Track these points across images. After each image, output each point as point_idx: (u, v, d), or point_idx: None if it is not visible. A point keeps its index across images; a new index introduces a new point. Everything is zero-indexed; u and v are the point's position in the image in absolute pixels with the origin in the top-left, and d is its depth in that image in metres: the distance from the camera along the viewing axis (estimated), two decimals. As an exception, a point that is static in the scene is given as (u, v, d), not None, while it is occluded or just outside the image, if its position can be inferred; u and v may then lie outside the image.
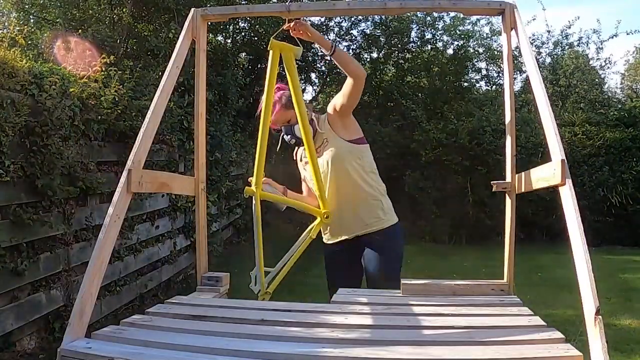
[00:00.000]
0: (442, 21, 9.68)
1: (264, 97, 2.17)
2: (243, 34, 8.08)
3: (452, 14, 9.02)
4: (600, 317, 1.26)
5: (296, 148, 2.60)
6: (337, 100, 2.48)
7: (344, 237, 2.43)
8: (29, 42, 4.78)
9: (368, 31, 9.59)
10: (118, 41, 5.53)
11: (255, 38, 7.91)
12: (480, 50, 10.01)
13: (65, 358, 1.41)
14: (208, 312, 1.80)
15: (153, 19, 6.21)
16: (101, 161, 3.67)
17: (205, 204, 2.39)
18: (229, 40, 7.83)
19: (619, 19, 15.12)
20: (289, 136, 2.45)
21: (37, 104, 2.97)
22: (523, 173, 1.99)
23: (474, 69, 10.07)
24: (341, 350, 1.41)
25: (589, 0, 25.14)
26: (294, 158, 2.63)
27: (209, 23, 2.45)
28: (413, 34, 9.73)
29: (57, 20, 5.87)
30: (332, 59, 2.53)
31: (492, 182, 2.16)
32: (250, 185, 2.17)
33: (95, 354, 1.40)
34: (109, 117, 3.60)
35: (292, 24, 2.37)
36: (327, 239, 2.50)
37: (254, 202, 2.15)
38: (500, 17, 2.18)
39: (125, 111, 3.78)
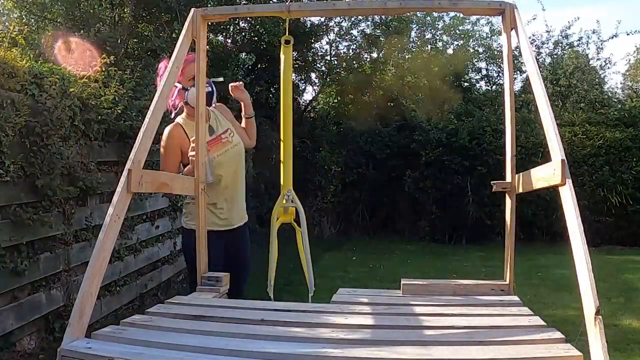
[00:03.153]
0: (442, 21, 9.69)
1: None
2: (243, 34, 8.08)
3: (452, 14, 9.03)
4: (600, 317, 1.26)
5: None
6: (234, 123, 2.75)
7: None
8: (30, 41, 4.77)
9: (368, 31, 9.58)
10: (119, 41, 5.53)
11: (256, 38, 7.91)
12: (480, 50, 10.01)
13: (65, 358, 1.41)
14: (208, 312, 1.80)
15: (154, 19, 6.21)
16: (101, 161, 3.67)
17: (205, 204, 2.39)
18: (229, 40, 7.83)
19: (619, 19, 15.06)
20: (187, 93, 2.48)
21: (37, 104, 2.96)
22: (523, 173, 1.99)
23: (474, 69, 10.07)
24: (341, 350, 1.41)
25: (588, 2, 25.14)
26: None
27: (209, 23, 2.45)
28: (413, 34, 9.74)
29: (58, 19, 5.87)
30: (247, 120, 2.82)
31: (492, 182, 2.16)
32: None
33: (95, 354, 1.40)
34: (109, 117, 3.60)
35: (231, 87, 2.66)
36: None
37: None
38: (500, 17, 2.18)
39: (125, 111, 3.78)
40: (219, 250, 2.45)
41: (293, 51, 2.61)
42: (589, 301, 1.30)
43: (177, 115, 2.59)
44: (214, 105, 2.60)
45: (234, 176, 2.58)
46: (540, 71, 2.01)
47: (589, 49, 9.64)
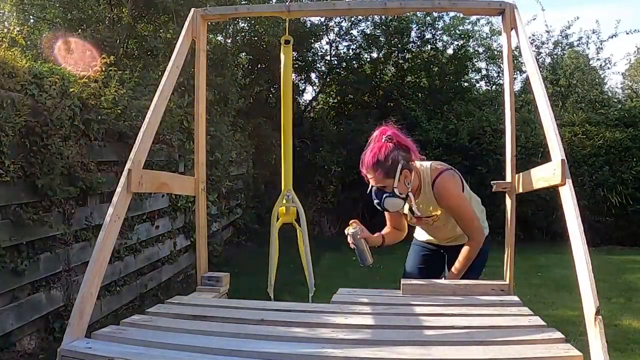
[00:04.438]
0: (442, 21, 9.67)
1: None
2: (243, 34, 8.08)
3: (452, 14, 9.01)
4: (600, 317, 1.26)
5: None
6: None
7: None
8: (29, 42, 4.77)
9: (368, 31, 9.58)
10: (118, 41, 5.52)
11: (255, 38, 7.91)
12: (480, 50, 10.00)
13: (65, 358, 1.41)
14: (208, 312, 1.80)
15: (153, 19, 6.21)
16: (101, 161, 3.67)
17: (205, 204, 2.39)
18: (229, 40, 7.83)
19: (619, 19, 15.05)
20: (376, 201, 2.31)
21: (37, 104, 2.96)
22: (523, 173, 1.99)
23: (474, 69, 10.06)
24: (341, 350, 1.41)
25: (588, 2, 25.14)
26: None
27: (209, 23, 2.45)
28: (413, 34, 9.72)
29: (57, 20, 5.87)
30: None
31: (492, 182, 2.16)
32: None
33: (95, 354, 1.40)
34: (109, 117, 3.60)
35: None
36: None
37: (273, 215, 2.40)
38: (500, 17, 2.18)
39: (125, 111, 3.78)
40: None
41: (293, 51, 2.61)
42: (589, 301, 1.30)
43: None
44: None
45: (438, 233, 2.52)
46: (540, 71, 2.02)
47: (588, 49, 9.65)
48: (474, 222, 2.31)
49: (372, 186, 2.29)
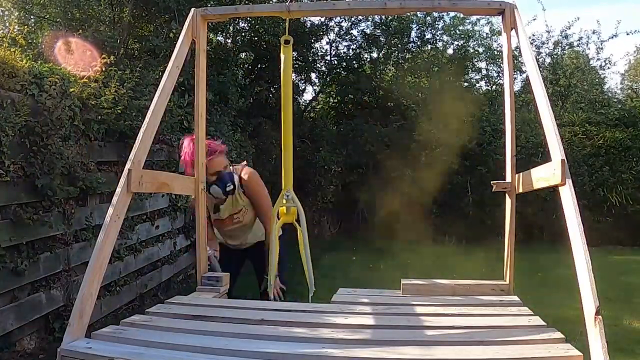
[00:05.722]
0: (442, 21, 9.66)
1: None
2: (243, 34, 8.08)
3: (452, 14, 9.01)
4: (600, 317, 1.26)
5: None
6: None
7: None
8: (29, 41, 4.77)
9: (368, 31, 9.57)
10: (118, 41, 5.52)
11: (256, 38, 7.91)
12: (480, 50, 10.00)
13: (65, 358, 1.41)
14: (208, 312, 1.80)
15: (153, 19, 6.21)
16: (101, 161, 3.67)
17: (205, 204, 2.39)
18: (229, 40, 7.82)
19: (619, 19, 15.05)
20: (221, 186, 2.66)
21: (37, 104, 2.96)
22: (523, 173, 1.99)
23: (474, 69, 10.05)
24: (341, 350, 1.41)
25: (588, 2, 25.15)
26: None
27: (209, 23, 2.45)
28: (413, 34, 9.72)
29: (57, 19, 5.87)
30: None
31: (492, 182, 2.16)
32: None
33: (95, 354, 1.40)
34: (109, 117, 3.60)
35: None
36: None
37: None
38: (500, 17, 2.18)
39: (125, 111, 3.78)
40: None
41: (293, 51, 2.61)
42: (589, 301, 1.30)
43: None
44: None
45: (242, 235, 2.92)
46: (540, 71, 2.02)
47: (588, 49, 9.64)
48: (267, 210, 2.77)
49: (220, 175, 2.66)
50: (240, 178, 2.76)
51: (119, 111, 3.68)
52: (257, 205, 2.80)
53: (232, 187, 2.67)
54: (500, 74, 9.44)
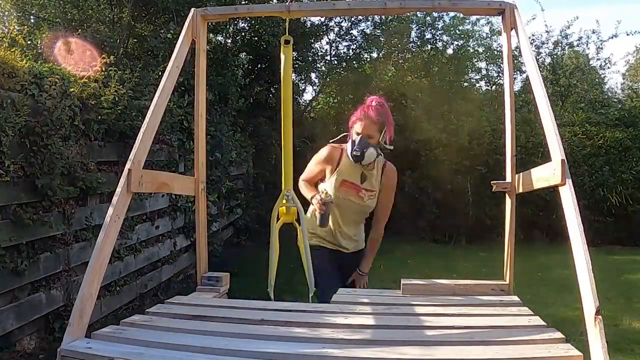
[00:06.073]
0: (442, 21, 9.67)
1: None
2: (243, 34, 8.08)
3: (452, 14, 9.01)
4: (600, 317, 1.26)
5: (340, 153, 2.75)
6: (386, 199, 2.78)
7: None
8: (29, 42, 4.77)
9: (368, 31, 9.58)
10: (118, 41, 5.52)
11: (255, 38, 7.91)
12: (480, 50, 10.00)
13: (65, 358, 1.41)
14: (208, 312, 1.80)
15: (153, 19, 6.21)
16: (101, 161, 3.67)
17: (205, 204, 2.39)
18: (229, 40, 7.82)
19: (619, 19, 15.06)
20: (357, 148, 2.54)
21: (37, 104, 2.96)
22: (523, 173, 1.99)
23: (474, 69, 10.06)
24: (342, 350, 1.41)
25: (587, 2, 25.16)
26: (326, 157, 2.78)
27: (209, 23, 2.45)
28: (413, 34, 9.73)
29: (57, 20, 5.87)
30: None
31: (492, 182, 2.16)
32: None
33: (95, 354, 1.40)
34: (109, 117, 3.60)
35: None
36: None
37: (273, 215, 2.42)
38: (500, 17, 2.18)
39: (125, 111, 3.78)
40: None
41: (293, 51, 2.61)
42: (589, 301, 1.30)
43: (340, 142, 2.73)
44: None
45: (344, 221, 2.73)
46: (540, 71, 2.02)
47: (588, 49, 9.65)
48: (387, 215, 2.75)
49: (358, 136, 2.55)
50: (384, 166, 2.72)
51: (119, 111, 3.68)
52: (381, 203, 2.72)
53: (373, 155, 2.53)
54: (500, 74, 9.44)
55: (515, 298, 2.00)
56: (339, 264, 2.73)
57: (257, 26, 7.65)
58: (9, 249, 2.77)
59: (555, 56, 9.74)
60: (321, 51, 9.49)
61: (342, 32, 9.47)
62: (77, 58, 3.98)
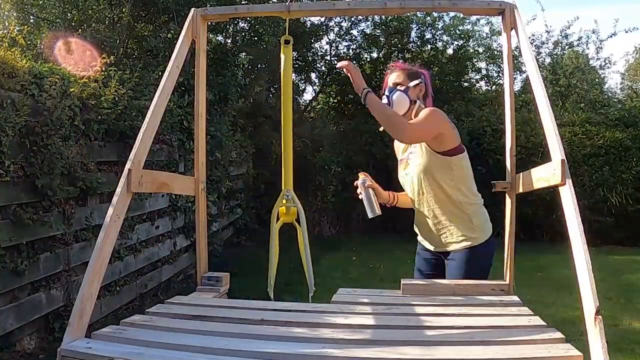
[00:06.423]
0: (442, 21, 9.68)
1: None
2: (243, 34, 8.08)
3: (452, 14, 9.02)
4: (600, 317, 1.26)
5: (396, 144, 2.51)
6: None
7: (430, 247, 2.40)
8: (29, 42, 4.77)
9: (368, 31, 9.59)
10: (117, 41, 5.52)
11: (255, 38, 7.91)
12: (480, 50, 10.01)
13: (65, 358, 1.41)
14: (208, 312, 1.79)
15: (153, 19, 6.21)
16: (101, 161, 3.67)
17: (205, 204, 2.39)
18: (229, 40, 7.83)
19: (617, 18, 15.06)
20: (387, 94, 2.32)
21: (37, 104, 2.97)
22: (523, 173, 1.99)
23: (474, 69, 10.07)
24: (342, 350, 1.41)
25: (587, 2, 25.15)
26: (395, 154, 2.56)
27: (209, 23, 2.45)
28: (413, 34, 9.73)
29: (57, 20, 5.87)
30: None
31: (492, 182, 2.16)
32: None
33: (95, 354, 1.40)
34: (109, 117, 3.60)
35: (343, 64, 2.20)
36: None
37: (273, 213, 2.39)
38: (500, 17, 2.18)
39: (125, 111, 3.78)
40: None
41: (293, 51, 2.61)
42: (589, 301, 1.30)
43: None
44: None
45: (419, 200, 2.32)
46: (540, 71, 2.01)
47: (588, 48, 9.65)
48: (417, 125, 2.18)
49: (389, 87, 2.36)
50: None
51: (119, 111, 3.68)
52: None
53: (405, 100, 2.26)
54: (500, 74, 9.45)
55: (515, 298, 2.00)
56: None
57: (257, 26, 7.66)
58: (9, 249, 2.77)
59: (555, 56, 9.75)
60: (321, 51, 9.51)
61: (342, 32, 9.49)
62: (77, 58, 3.98)
